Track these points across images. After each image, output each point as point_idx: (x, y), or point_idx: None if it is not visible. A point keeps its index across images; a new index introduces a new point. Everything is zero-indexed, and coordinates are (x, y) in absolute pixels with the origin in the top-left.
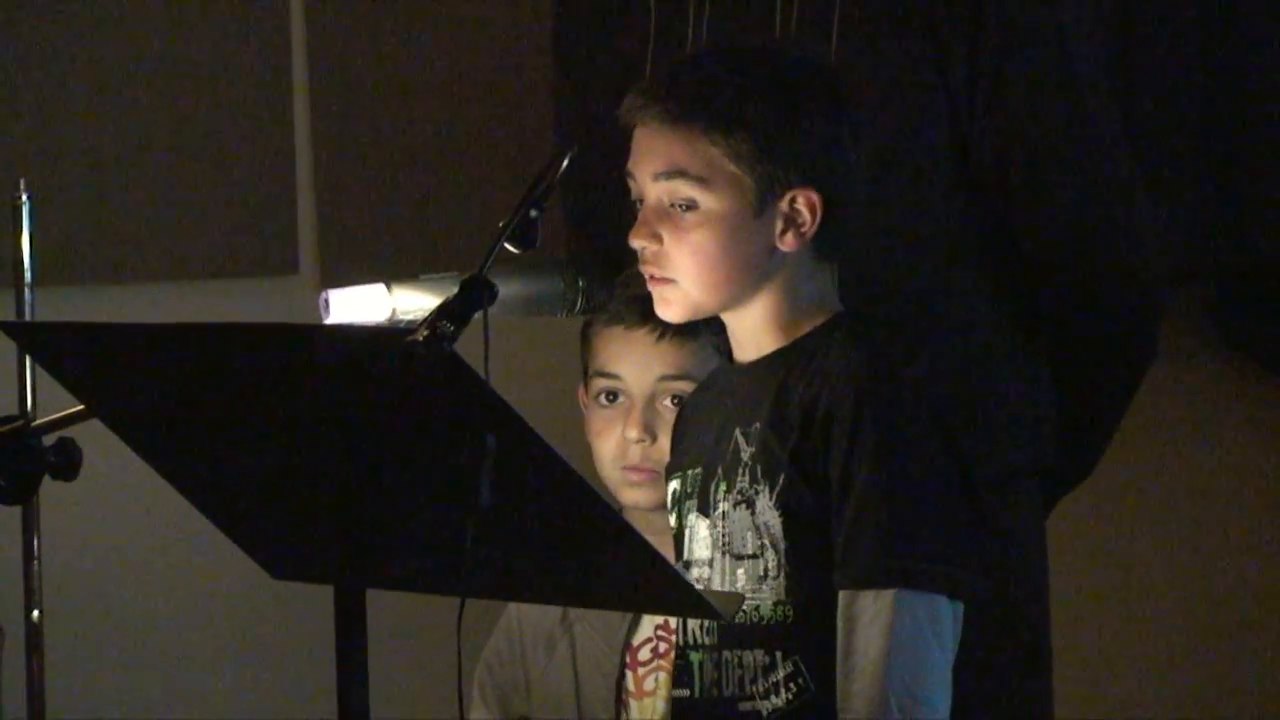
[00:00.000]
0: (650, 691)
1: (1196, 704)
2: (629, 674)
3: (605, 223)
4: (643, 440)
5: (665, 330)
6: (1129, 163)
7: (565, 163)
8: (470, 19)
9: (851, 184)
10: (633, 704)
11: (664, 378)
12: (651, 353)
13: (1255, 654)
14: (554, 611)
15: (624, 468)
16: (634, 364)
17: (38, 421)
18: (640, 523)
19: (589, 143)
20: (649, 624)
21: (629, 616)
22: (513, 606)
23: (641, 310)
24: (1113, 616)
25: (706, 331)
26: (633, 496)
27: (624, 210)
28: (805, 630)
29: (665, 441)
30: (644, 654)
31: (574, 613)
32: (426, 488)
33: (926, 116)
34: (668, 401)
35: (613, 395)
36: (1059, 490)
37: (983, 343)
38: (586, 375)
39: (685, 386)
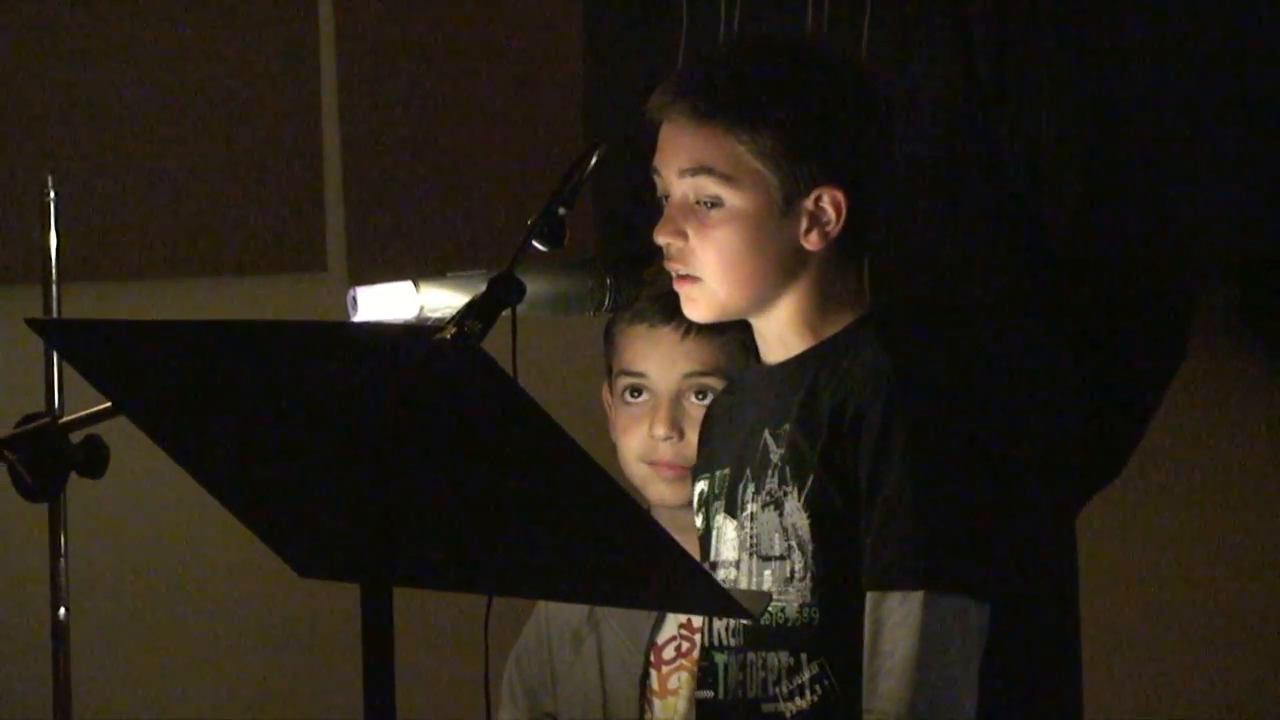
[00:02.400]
0: (674, 690)
1: (1230, 703)
2: (653, 672)
3: (634, 220)
4: (670, 437)
5: (690, 327)
6: (1161, 158)
7: (594, 160)
8: (500, 15)
9: (878, 182)
10: (656, 702)
11: (690, 374)
12: (677, 350)
13: None
14: (581, 609)
15: (654, 463)
16: (660, 361)
17: (65, 418)
18: (666, 521)
19: (619, 139)
20: (673, 622)
21: (654, 615)
22: (542, 603)
23: (666, 308)
24: (1143, 616)
25: (733, 327)
26: (661, 492)
27: (653, 208)
28: (831, 632)
29: (694, 437)
30: (668, 652)
31: (600, 610)
32: (453, 486)
33: (956, 115)
34: (694, 398)
35: (638, 392)
36: (1090, 489)
37: (1012, 342)
38: (610, 374)
39: (712, 382)
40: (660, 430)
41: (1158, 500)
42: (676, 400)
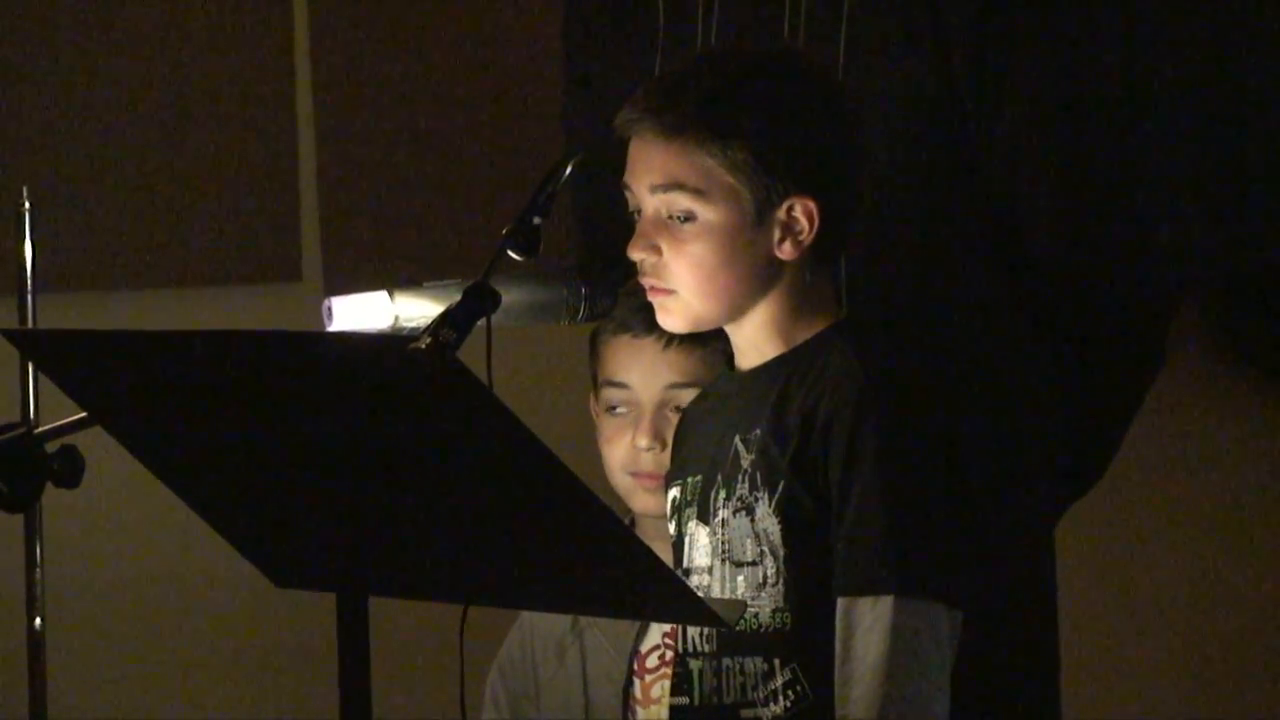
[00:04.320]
0: (657, 699)
1: (1204, 708)
2: (636, 681)
3: (617, 230)
4: (653, 448)
5: (673, 338)
6: (1137, 168)
7: (568, 170)
8: (477, 24)
9: (850, 191)
10: (639, 711)
11: (672, 385)
12: (659, 360)
13: (1261, 658)
14: (565, 618)
15: (635, 474)
16: (642, 372)
17: (40, 429)
18: (651, 530)
19: (599, 149)
20: (657, 631)
21: (637, 624)
22: (526, 612)
23: (648, 318)
24: (1120, 623)
25: (715, 338)
26: (645, 503)
27: (630, 219)
28: (803, 637)
29: None
30: (651, 661)
31: (584, 619)
32: (429, 495)
33: (933, 122)
34: (676, 409)
35: (621, 403)
36: (1068, 497)
37: (987, 349)
38: (596, 384)
39: (695, 394)
40: (643, 441)
41: (1135, 509)
42: (659, 411)
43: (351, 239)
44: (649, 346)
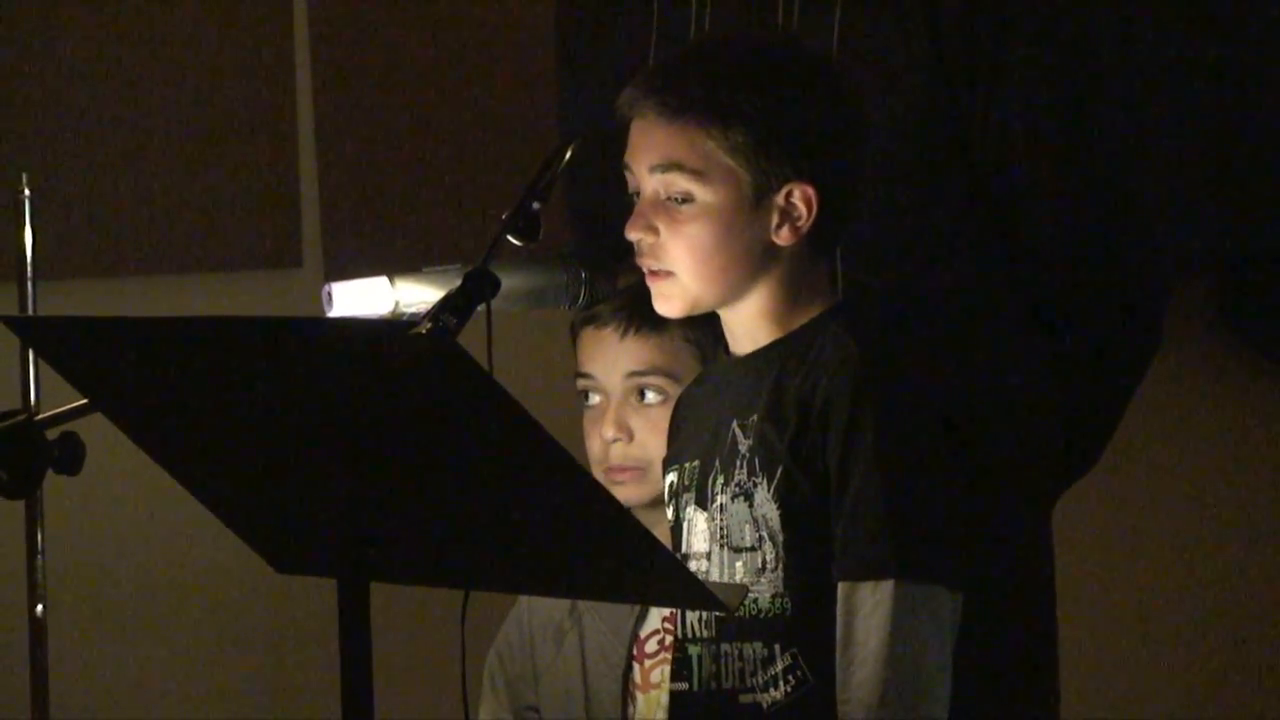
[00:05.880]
0: (656, 684)
1: (1202, 698)
2: (635, 666)
3: (609, 215)
4: (619, 439)
5: (629, 326)
6: (1132, 151)
7: (568, 155)
8: (473, 11)
9: (849, 178)
10: (639, 696)
11: (631, 374)
12: (617, 350)
13: (1261, 647)
14: (563, 603)
15: (607, 469)
16: (603, 363)
17: (41, 415)
18: (648, 519)
19: (592, 135)
20: (656, 616)
21: (636, 609)
22: (524, 597)
23: (612, 308)
24: (1117, 609)
25: (675, 325)
26: (622, 495)
27: (627, 202)
28: (804, 622)
29: (643, 437)
30: (651, 646)
31: (583, 604)
32: (430, 480)
33: (927, 108)
34: (643, 397)
35: (592, 394)
36: (1064, 480)
37: (983, 332)
38: None
39: (655, 381)
40: (609, 432)
41: (1134, 494)
42: (624, 401)
43: (352, 225)
44: (608, 336)
